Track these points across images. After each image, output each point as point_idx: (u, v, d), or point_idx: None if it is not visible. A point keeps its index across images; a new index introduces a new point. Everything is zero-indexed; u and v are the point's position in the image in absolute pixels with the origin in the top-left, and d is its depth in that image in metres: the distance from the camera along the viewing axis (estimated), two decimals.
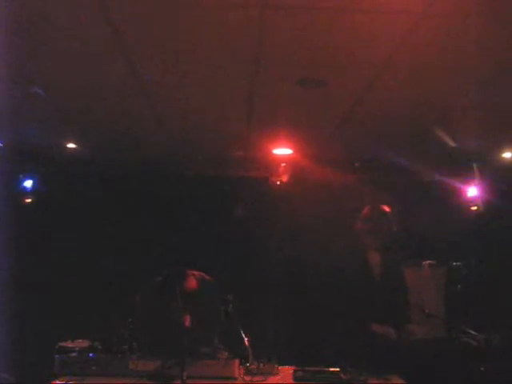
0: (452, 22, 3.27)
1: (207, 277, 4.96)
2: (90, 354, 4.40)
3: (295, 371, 4.33)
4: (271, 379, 4.33)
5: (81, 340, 4.69)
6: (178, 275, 4.77)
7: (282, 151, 6.27)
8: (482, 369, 5.05)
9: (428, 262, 5.82)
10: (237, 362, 4.33)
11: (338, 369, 4.26)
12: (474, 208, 6.57)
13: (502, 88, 4.31)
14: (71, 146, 6.16)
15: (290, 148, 6.16)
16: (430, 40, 3.49)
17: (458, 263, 5.99)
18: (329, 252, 6.27)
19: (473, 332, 5.43)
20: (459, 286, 5.88)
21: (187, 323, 4.45)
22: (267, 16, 3.23)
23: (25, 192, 6.68)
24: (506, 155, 6.20)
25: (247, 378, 4.22)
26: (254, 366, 4.40)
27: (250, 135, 5.70)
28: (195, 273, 4.93)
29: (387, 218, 4.77)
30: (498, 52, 3.67)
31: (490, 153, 6.16)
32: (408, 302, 4.89)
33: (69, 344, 4.58)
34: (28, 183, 6.69)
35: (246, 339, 4.45)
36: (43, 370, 4.42)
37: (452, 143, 5.66)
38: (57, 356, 4.39)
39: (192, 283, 4.84)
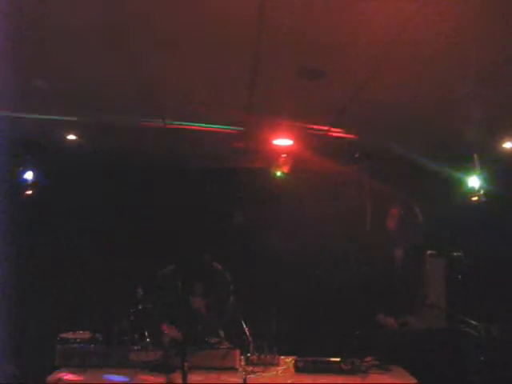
0: (453, 11, 3.26)
1: (220, 266, 5.01)
2: (92, 345, 4.43)
3: (296, 361, 4.35)
4: (272, 369, 4.35)
5: (82, 331, 4.71)
6: (192, 263, 4.82)
7: (283, 142, 6.25)
8: (482, 358, 5.07)
9: (429, 252, 5.81)
10: (238, 352, 4.36)
11: (338, 359, 4.28)
12: (475, 198, 6.56)
13: (503, 78, 4.30)
14: (71, 137, 6.15)
15: (291, 139, 6.15)
16: (430, 29, 3.48)
17: (459, 253, 5.98)
18: (331, 241, 6.30)
19: (473, 322, 5.43)
20: (460, 277, 5.87)
21: (201, 310, 4.51)
22: (267, 6, 3.21)
23: (25, 184, 6.67)
24: (507, 145, 6.19)
25: (248, 369, 4.24)
26: (254, 357, 4.42)
27: (250, 126, 5.68)
28: (211, 262, 4.98)
29: (414, 217, 4.87)
30: (500, 41, 3.65)
31: (491, 143, 6.15)
32: (418, 294, 4.95)
33: (70, 335, 4.60)
34: (28, 175, 6.69)
35: (246, 330, 4.47)
36: (45, 361, 4.44)
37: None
38: (58, 347, 4.41)
39: (211, 272, 4.90)
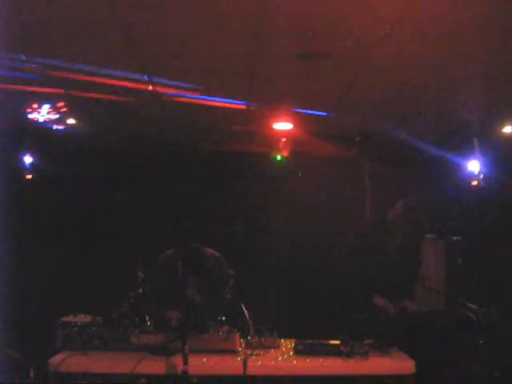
0: None
1: (216, 254, 5.02)
2: (93, 329, 4.45)
3: (296, 344, 4.37)
4: (272, 352, 4.38)
5: (83, 315, 4.74)
6: (187, 250, 4.83)
7: (283, 126, 6.24)
8: (481, 342, 5.09)
9: (428, 235, 5.83)
10: (238, 335, 4.38)
11: (338, 341, 4.30)
12: (475, 183, 6.56)
13: (503, 61, 4.28)
14: (71, 121, 6.13)
15: (291, 122, 6.14)
16: (432, 10, 3.45)
17: (459, 237, 5.99)
18: (331, 225, 6.30)
19: (472, 306, 5.46)
20: (460, 260, 5.89)
21: (196, 298, 4.53)
22: None
23: (25, 168, 6.67)
24: (507, 130, 6.19)
25: (248, 351, 4.26)
26: (255, 340, 4.44)
27: (250, 109, 5.67)
28: (206, 249, 4.99)
29: (413, 213, 4.93)
30: (500, 24, 3.63)
31: (491, 127, 6.14)
32: (414, 277, 4.99)
33: (71, 319, 4.62)
34: (27, 159, 6.69)
35: (246, 313, 4.49)
36: (46, 345, 4.47)
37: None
38: (59, 331, 4.44)
39: (202, 258, 4.91)
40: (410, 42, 3.94)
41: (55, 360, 4.10)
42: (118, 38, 3.92)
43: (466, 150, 6.49)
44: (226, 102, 5.43)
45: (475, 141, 6.36)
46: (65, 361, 4.07)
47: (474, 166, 6.50)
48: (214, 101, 5.36)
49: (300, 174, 6.95)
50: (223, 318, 4.80)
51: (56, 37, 3.91)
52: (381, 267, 4.90)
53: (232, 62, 4.38)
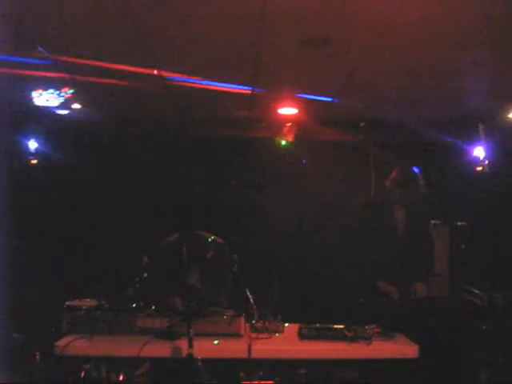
0: None
1: (219, 239, 5.02)
2: (98, 312, 4.47)
3: (300, 328, 4.39)
4: (277, 336, 4.40)
5: (88, 299, 4.76)
6: (190, 236, 4.83)
7: (287, 111, 6.24)
8: (485, 327, 5.12)
9: (432, 221, 5.84)
10: (242, 319, 4.40)
11: (342, 326, 4.32)
12: (479, 168, 6.56)
13: (508, 46, 4.26)
14: (76, 106, 6.13)
15: (295, 107, 6.13)
16: None
17: (463, 223, 6.01)
18: (336, 210, 6.30)
19: (476, 291, 5.48)
20: (463, 246, 5.91)
21: (197, 284, 4.54)
22: None
23: (30, 153, 6.69)
24: None
25: (253, 335, 4.29)
26: (259, 324, 4.46)
27: (255, 95, 5.66)
28: (207, 235, 4.99)
29: (412, 177, 4.92)
30: (505, 8, 3.61)
31: (496, 113, 6.12)
32: (430, 257, 5.01)
33: (76, 303, 4.65)
34: (32, 144, 6.70)
35: (251, 297, 4.50)
36: (52, 329, 4.49)
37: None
38: (65, 315, 4.46)
39: (204, 245, 4.91)
40: (414, 27, 3.92)
41: (61, 343, 4.13)
42: (125, 24, 3.92)
43: (471, 136, 6.47)
44: (231, 88, 5.43)
45: (481, 126, 6.35)
46: (70, 344, 4.10)
47: (479, 151, 6.49)
48: (218, 86, 5.36)
49: (304, 161, 6.95)
50: (223, 303, 4.82)
51: (61, 22, 3.92)
52: (388, 249, 4.90)
53: (237, 48, 4.37)
